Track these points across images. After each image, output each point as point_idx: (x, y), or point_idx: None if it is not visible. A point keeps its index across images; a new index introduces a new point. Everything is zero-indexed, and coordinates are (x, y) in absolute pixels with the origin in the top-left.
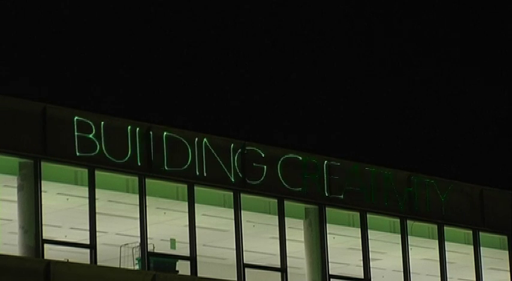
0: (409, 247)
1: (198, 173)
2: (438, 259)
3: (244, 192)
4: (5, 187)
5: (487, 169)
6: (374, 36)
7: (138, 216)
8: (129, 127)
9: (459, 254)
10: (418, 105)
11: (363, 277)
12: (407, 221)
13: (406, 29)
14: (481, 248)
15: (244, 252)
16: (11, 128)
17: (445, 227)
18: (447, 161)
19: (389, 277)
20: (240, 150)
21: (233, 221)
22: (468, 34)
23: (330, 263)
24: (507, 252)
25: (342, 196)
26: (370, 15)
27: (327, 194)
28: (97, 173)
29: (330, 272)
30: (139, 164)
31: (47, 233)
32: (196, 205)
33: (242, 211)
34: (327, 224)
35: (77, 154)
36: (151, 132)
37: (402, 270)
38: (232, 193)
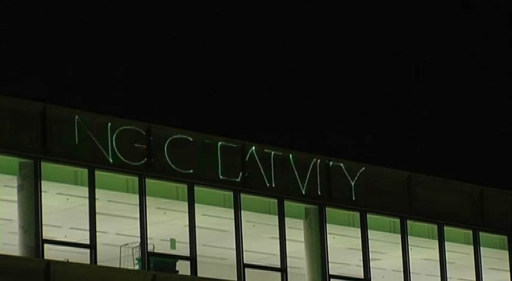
0: (409, 247)
1: (198, 173)
2: (438, 259)
3: (244, 192)
4: (5, 187)
5: (487, 169)
6: (373, 36)
7: (138, 216)
8: (129, 127)
9: (459, 254)
10: (418, 105)
11: (363, 277)
12: (407, 221)
13: (406, 29)
14: (481, 248)
15: (244, 252)
16: (11, 128)
17: (445, 227)
18: (447, 161)
19: (389, 277)
20: (240, 150)
21: (233, 221)
22: (468, 34)
23: (330, 263)
24: (507, 252)
25: (342, 196)
26: (370, 15)
27: (327, 194)
28: (97, 173)
29: (330, 272)
30: (139, 164)
31: (47, 233)
32: (196, 205)
33: (242, 211)
34: (327, 224)
35: (77, 154)
36: (151, 132)
37: (402, 270)
38: (232, 193)
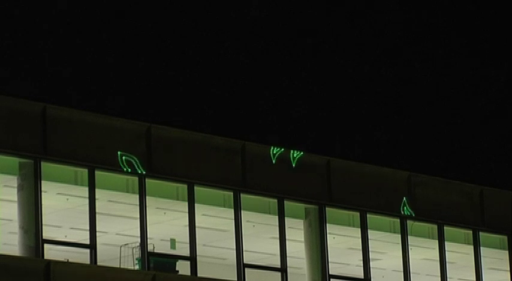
0: (409, 247)
1: (198, 173)
2: (438, 259)
3: (244, 192)
4: (5, 187)
5: (487, 169)
6: (372, 35)
7: (138, 216)
8: (129, 127)
9: (459, 254)
10: (418, 105)
11: (363, 277)
12: (407, 221)
13: (406, 29)
14: (481, 248)
15: (244, 252)
16: (11, 128)
17: (445, 227)
18: (447, 161)
19: (389, 277)
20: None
21: (233, 221)
22: (470, 33)
23: (330, 263)
24: (507, 252)
25: (342, 196)
26: (369, 12)
27: (327, 194)
28: (97, 173)
29: (330, 272)
30: (138, 164)
31: (47, 233)
32: (196, 205)
33: (242, 211)
34: (327, 224)
35: (77, 153)
36: (151, 132)
37: (402, 270)
38: (232, 193)
